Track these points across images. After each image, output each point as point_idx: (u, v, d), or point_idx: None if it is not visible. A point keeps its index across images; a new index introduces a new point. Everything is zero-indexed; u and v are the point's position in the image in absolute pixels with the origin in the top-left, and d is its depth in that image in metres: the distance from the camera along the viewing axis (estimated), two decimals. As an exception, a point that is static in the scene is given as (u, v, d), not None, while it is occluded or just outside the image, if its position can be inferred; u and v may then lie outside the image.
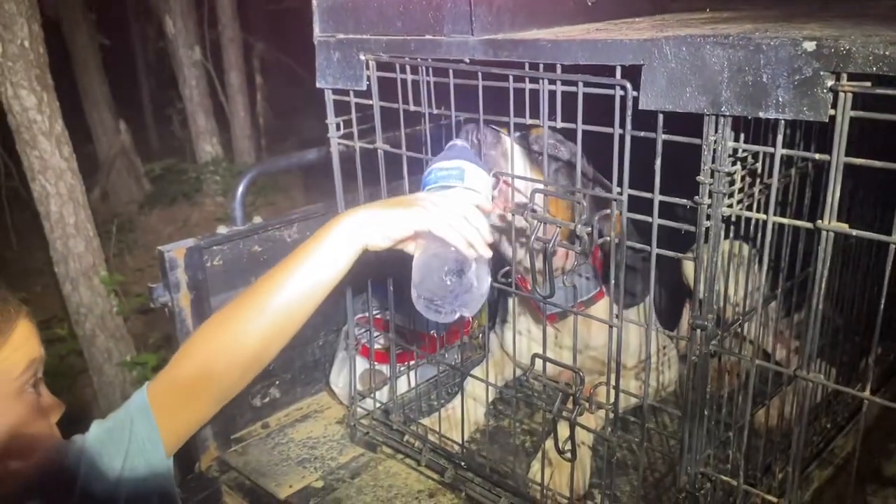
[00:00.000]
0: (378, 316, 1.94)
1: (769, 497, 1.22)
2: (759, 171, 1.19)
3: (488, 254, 1.20)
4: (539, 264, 1.34)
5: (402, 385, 1.94)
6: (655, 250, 1.20)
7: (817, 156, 1.03)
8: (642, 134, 1.14)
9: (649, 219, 1.18)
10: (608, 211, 1.24)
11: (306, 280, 1.10)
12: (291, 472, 1.82)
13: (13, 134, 3.21)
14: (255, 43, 8.01)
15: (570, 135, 1.43)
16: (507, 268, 1.47)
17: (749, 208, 1.19)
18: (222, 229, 1.85)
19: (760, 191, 1.20)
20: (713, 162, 1.09)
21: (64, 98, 3.43)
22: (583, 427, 1.40)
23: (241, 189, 1.86)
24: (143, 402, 1.04)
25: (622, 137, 1.16)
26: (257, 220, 1.92)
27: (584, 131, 1.22)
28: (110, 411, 1.12)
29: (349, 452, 1.87)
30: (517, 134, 1.44)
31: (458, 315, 1.21)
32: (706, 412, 1.25)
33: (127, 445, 1.01)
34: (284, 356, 2.08)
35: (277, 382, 2.09)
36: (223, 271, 1.84)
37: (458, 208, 1.19)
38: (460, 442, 1.69)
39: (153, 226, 6.78)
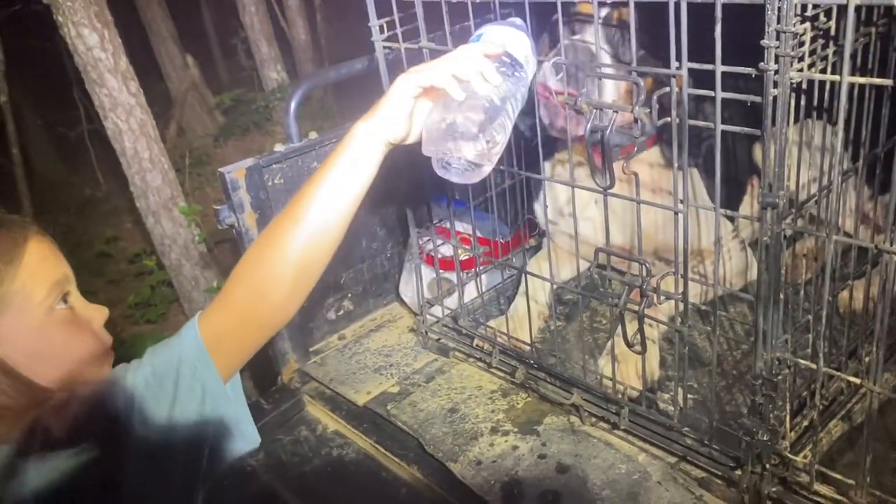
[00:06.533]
0: (440, 224, 1.93)
1: (851, 378, 1.16)
2: (833, 31, 1.08)
3: (482, 90, 1.12)
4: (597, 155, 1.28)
5: (470, 292, 1.94)
6: (720, 126, 1.12)
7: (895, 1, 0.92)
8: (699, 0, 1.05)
9: (711, 93, 1.10)
10: (667, 89, 1.16)
11: (338, 187, 1.08)
12: (369, 380, 1.86)
13: (81, 75, 3.28)
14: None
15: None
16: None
17: (822, 73, 1.09)
18: (279, 147, 1.85)
19: (834, 52, 1.09)
20: (778, 22, 0.99)
21: (132, 37, 3.45)
22: (652, 319, 1.37)
23: (293, 105, 1.84)
24: (195, 337, 1.02)
25: (677, 5, 1.07)
26: (313, 135, 1.91)
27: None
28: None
29: (423, 359, 1.90)
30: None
31: (469, 172, 1.14)
32: (781, 296, 1.19)
33: (174, 391, 0.99)
34: (354, 270, 2.13)
35: (350, 295, 2.12)
36: (285, 189, 1.85)
37: (454, 55, 1.13)
38: (528, 342, 1.69)
39: (229, 157, 6.89)
